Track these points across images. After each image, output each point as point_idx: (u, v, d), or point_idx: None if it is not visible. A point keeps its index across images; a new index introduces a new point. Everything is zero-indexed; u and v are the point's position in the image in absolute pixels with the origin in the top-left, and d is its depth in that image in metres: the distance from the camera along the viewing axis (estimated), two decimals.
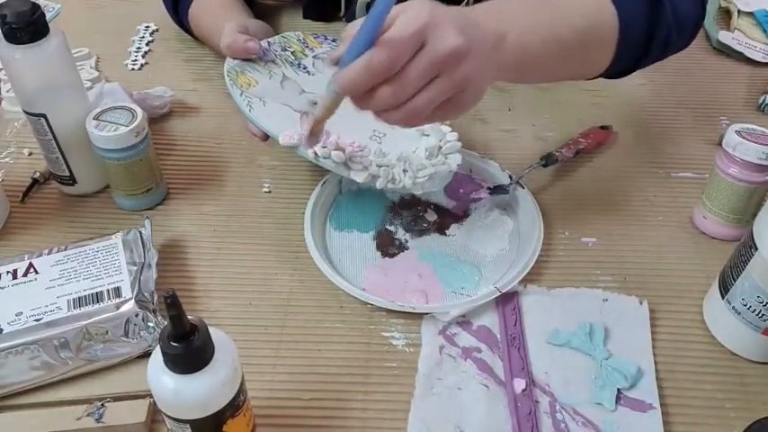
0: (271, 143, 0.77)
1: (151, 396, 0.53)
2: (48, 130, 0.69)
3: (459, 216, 0.73)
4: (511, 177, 0.73)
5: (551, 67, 0.66)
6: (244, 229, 0.71)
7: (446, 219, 0.73)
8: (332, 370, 0.59)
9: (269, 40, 0.77)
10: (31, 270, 0.61)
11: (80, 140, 0.69)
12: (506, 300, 0.64)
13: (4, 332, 0.55)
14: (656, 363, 0.60)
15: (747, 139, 0.65)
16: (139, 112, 0.69)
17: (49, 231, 0.71)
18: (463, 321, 0.63)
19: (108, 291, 0.59)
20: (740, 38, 0.98)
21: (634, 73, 0.74)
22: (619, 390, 0.58)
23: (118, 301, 0.58)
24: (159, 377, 0.45)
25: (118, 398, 0.56)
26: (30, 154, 0.80)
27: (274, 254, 0.69)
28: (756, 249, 0.56)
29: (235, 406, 0.48)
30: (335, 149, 0.64)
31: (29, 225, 0.72)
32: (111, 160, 0.69)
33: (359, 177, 0.64)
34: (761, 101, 0.87)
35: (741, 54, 0.96)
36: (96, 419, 0.54)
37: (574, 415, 0.56)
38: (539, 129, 0.84)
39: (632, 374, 0.58)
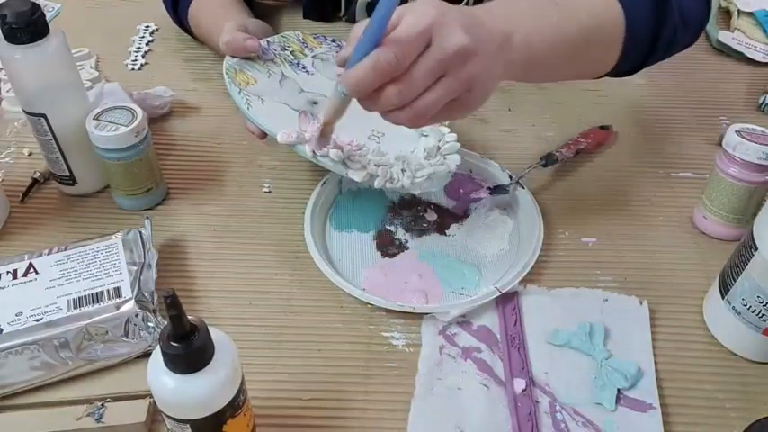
0: (271, 143, 0.77)
1: (151, 396, 0.53)
2: (48, 130, 0.69)
3: (459, 216, 0.73)
4: (511, 177, 0.73)
5: (558, 66, 0.66)
6: (244, 229, 0.71)
7: (446, 219, 0.72)
8: (332, 370, 0.59)
9: (268, 39, 0.77)
10: (31, 270, 0.61)
11: (80, 140, 0.69)
12: (506, 300, 0.64)
13: (4, 332, 0.55)
14: (656, 363, 0.60)
15: (747, 139, 0.65)
16: (139, 112, 0.69)
17: (49, 231, 0.71)
18: (463, 321, 0.63)
19: (108, 291, 0.59)
20: (740, 38, 0.98)
21: (624, 77, 0.74)
22: (619, 390, 0.58)
23: (118, 301, 0.58)
24: (159, 377, 0.45)
25: (118, 398, 0.56)
26: (30, 154, 0.80)
27: (274, 254, 0.69)
28: (756, 249, 0.56)
29: (235, 406, 0.48)
30: (334, 148, 0.64)
31: (29, 225, 0.72)
32: (111, 160, 0.69)
33: (357, 176, 0.64)
34: (761, 101, 0.87)
35: (741, 54, 0.96)
36: (96, 419, 0.54)
37: (574, 415, 0.56)
38: (539, 129, 0.84)
39: (632, 374, 0.58)
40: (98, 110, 0.69)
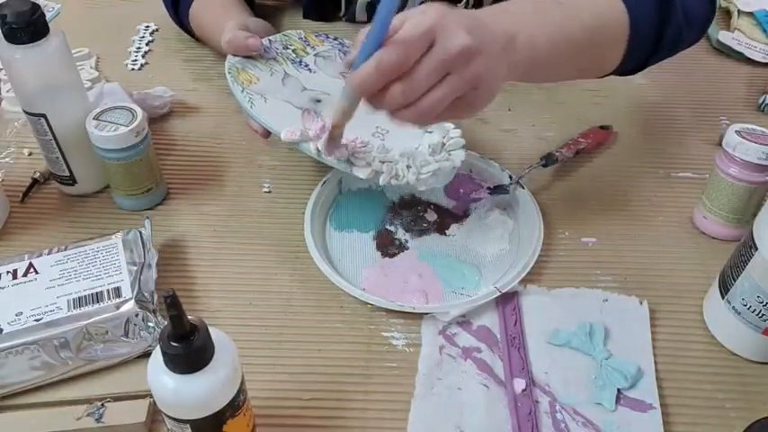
0: (271, 143, 0.77)
1: (151, 396, 0.53)
2: (48, 130, 0.69)
3: (459, 216, 0.73)
4: (511, 177, 0.73)
5: (562, 65, 0.66)
6: (244, 229, 0.71)
7: (446, 219, 0.72)
8: (332, 370, 0.59)
9: (270, 38, 0.77)
10: (31, 270, 0.61)
11: (80, 140, 0.69)
12: (506, 300, 0.64)
13: (4, 332, 0.55)
14: (656, 363, 0.60)
15: (747, 139, 0.65)
16: (139, 112, 0.69)
17: (49, 231, 0.71)
18: (463, 321, 0.63)
19: (108, 291, 0.59)
20: (740, 38, 0.98)
21: (628, 76, 0.74)
22: (619, 390, 0.58)
23: (118, 301, 0.58)
24: (159, 377, 0.45)
25: (118, 398, 0.56)
26: (30, 154, 0.80)
27: (274, 254, 0.69)
28: (756, 249, 0.56)
29: (235, 406, 0.48)
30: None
31: (29, 225, 0.72)
32: (111, 160, 0.69)
33: (362, 173, 0.63)
34: (761, 101, 0.87)
35: (741, 54, 0.96)
36: (96, 419, 0.54)
37: (574, 415, 0.56)
38: (539, 129, 0.84)
39: (632, 374, 0.58)
40: (98, 110, 0.69)
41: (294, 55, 0.77)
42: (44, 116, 0.68)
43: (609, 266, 0.68)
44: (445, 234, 0.71)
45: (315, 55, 0.78)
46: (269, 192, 0.75)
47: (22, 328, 0.56)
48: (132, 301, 0.58)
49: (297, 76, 0.74)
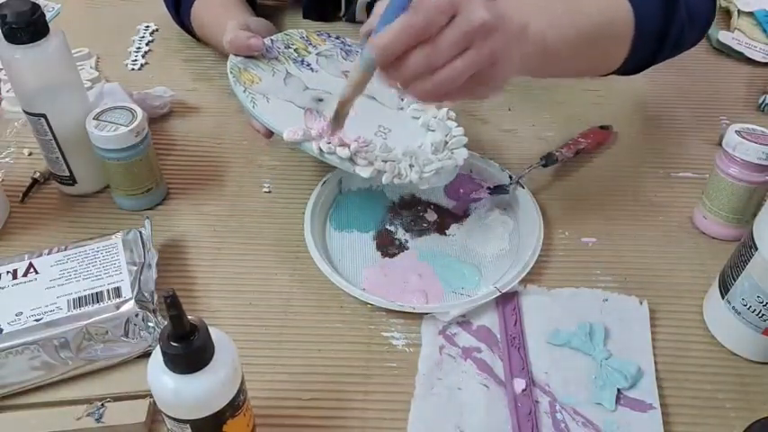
0: (271, 143, 0.77)
1: (151, 396, 0.53)
2: (48, 130, 0.69)
3: (459, 216, 0.73)
4: (511, 177, 0.73)
5: (569, 61, 0.67)
6: (244, 229, 0.71)
7: (446, 219, 0.72)
8: (332, 370, 0.59)
9: (272, 37, 0.77)
10: (31, 270, 0.61)
11: (80, 140, 0.69)
12: (506, 300, 0.64)
13: (4, 332, 0.55)
14: (656, 363, 0.60)
15: (747, 139, 0.65)
16: (139, 112, 0.69)
17: (49, 231, 0.71)
18: (463, 321, 0.63)
19: (108, 291, 0.59)
20: (740, 38, 0.98)
21: (632, 75, 0.74)
22: (619, 390, 0.58)
23: (118, 301, 0.58)
24: (159, 377, 0.45)
25: (118, 398, 0.56)
26: (30, 154, 0.80)
27: (274, 254, 0.69)
28: (756, 249, 0.56)
29: (235, 406, 0.48)
30: (340, 145, 0.64)
31: (29, 225, 0.72)
32: (111, 160, 0.69)
33: (364, 173, 0.63)
34: (761, 101, 0.87)
35: (741, 54, 0.96)
36: (96, 419, 0.54)
37: (574, 415, 0.56)
38: (539, 129, 0.84)
39: (632, 374, 0.58)
40: (98, 110, 0.69)
41: (296, 54, 0.77)
42: (44, 116, 0.68)
43: (609, 266, 0.68)
44: (445, 234, 0.71)
45: (317, 54, 0.78)
46: (269, 192, 0.75)
47: (22, 328, 0.56)
48: (132, 301, 0.58)
49: (299, 75, 0.74)
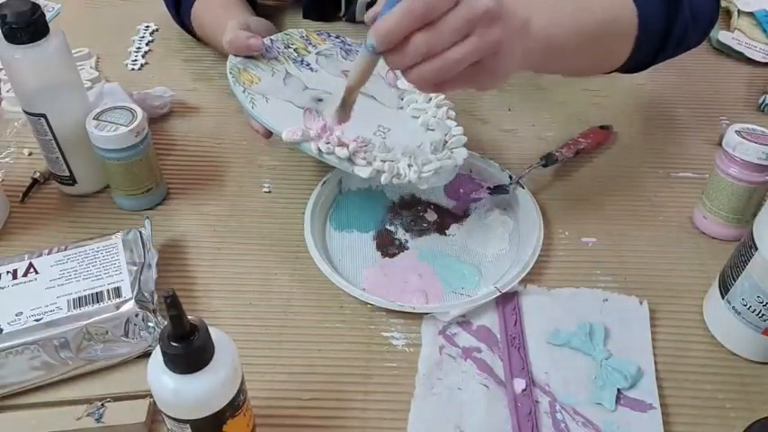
0: (271, 143, 0.77)
1: (151, 396, 0.53)
2: (48, 130, 0.69)
3: (459, 216, 0.73)
4: (511, 177, 0.73)
5: (573, 57, 0.67)
6: (244, 229, 0.71)
7: (446, 219, 0.72)
8: (332, 370, 0.59)
9: (271, 37, 0.77)
10: (31, 270, 0.61)
11: (80, 140, 0.69)
12: (506, 300, 0.64)
13: (4, 332, 0.55)
14: (656, 363, 0.60)
15: (747, 139, 0.65)
16: (139, 112, 0.69)
17: (49, 231, 0.71)
18: (463, 321, 0.63)
19: (108, 291, 0.59)
20: (740, 38, 0.98)
21: (635, 73, 0.74)
22: (619, 390, 0.58)
23: (118, 301, 0.58)
24: (159, 377, 0.45)
25: (118, 398, 0.56)
26: (30, 154, 0.80)
27: (274, 254, 0.69)
28: (756, 249, 0.56)
29: (235, 406, 0.48)
30: (339, 145, 0.64)
31: (29, 225, 0.72)
32: (111, 160, 0.69)
33: (363, 173, 0.63)
34: (761, 101, 0.87)
35: (741, 54, 0.96)
36: (96, 419, 0.54)
37: (574, 415, 0.56)
38: (539, 129, 0.84)
39: (632, 374, 0.58)
40: (98, 110, 0.69)
41: (296, 54, 0.77)
42: (44, 116, 0.68)
43: (609, 266, 0.68)
44: (445, 234, 0.71)
45: (316, 54, 0.77)
46: (269, 192, 0.75)
47: (22, 328, 0.56)
48: (132, 301, 0.58)
49: (298, 75, 0.74)
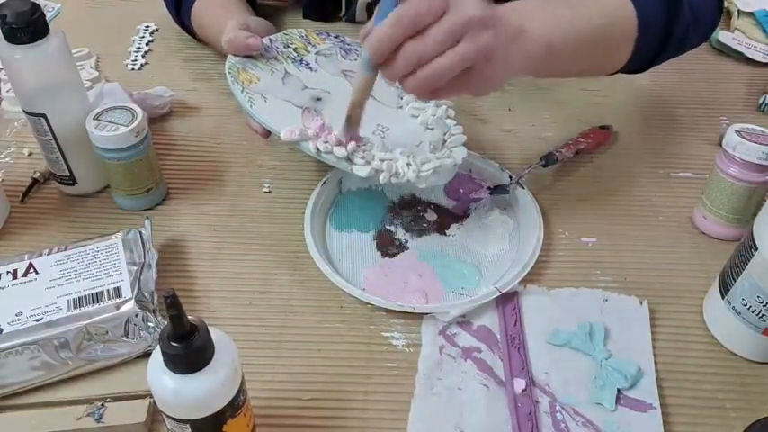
0: (271, 143, 0.77)
1: (151, 396, 0.53)
2: (48, 130, 0.69)
3: (459, 216, 0.73)
4: (511, 177, 0.73)
5: (572, 62, 0.67)
6: (244, 229, 0.71)
7: (446, 219, 0.72)
8: (332, 370, 0.59)
9: (271, 37, 0.77)
10: (31, 270, 0.61)
11: (80, 140, 0.69)
12: (506, 300, 0.64)
13: (4, 332, 0.55)
14: (656, 363, 0.60)
15: (747, 139, 0.65)
16: (139, 112, 0.69)
17: (49, 231, 0.71)
18: (463, 321, 0.63)
19: (108, 291, 0.59)
20: (740, 38, 0.98)
21: (637, 73, 0.75)
22: (619, 390, 0.58)
23: (118, 301, 0.58)
24: (159, 377, 0.45)
25: (118, 398, 0.56)
26: (30, 154, 0.80)
27: (274, 254, 0.69)
28: (756, 249, 0.56)
29: (235, 406, 0.48)
30: (337, 144, 0.64)
31: (29, 225, 0.72)
32: (111, 160, 0.69)
33: (362, 172, 0.63)
34: (761, 101, 0.87)
35: (741, 54, 0.96)
36: (96, 419, 0.54)
37: (574, 415, 0.56)
38: (539, 129, 0.84)
39: (632, 374, 0.58)
40: (98, 110, 0.69)
41: (295, 54, 0.77)
42: (44, 116, 0.68)
43: (609, 266, 0.68)
44: (445, 234, 0.71)
45: (316, 53, 0.77)
46: (269, 192, 0.75)
47: (22, 328, 0.56)
48: (132, 301, 0.58)
49: (297, 75, 0.74)
